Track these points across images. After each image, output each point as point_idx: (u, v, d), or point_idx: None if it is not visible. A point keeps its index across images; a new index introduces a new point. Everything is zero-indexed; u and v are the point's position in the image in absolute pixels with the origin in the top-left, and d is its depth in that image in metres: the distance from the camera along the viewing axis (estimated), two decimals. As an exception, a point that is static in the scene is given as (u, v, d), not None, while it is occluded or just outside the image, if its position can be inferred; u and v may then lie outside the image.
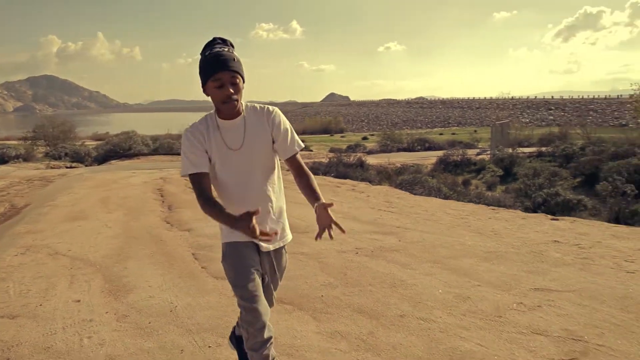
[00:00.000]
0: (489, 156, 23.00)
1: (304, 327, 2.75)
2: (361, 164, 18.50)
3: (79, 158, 21.28)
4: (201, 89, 1.91)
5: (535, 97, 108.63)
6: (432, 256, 3.92)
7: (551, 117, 75.67)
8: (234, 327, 2.23)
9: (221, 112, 1.91)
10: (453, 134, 44.96)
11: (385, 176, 14.90)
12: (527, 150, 23.00)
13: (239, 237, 1.83)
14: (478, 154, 24.17)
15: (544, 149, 21.78)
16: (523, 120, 71.29)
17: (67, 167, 19.18)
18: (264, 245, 1.93)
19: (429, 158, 23.10)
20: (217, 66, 1.82)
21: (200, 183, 1.86)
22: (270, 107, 1.99)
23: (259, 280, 1.90)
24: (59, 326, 2.95)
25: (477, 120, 78.41)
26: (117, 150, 21.39)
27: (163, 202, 8.00)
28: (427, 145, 29.76)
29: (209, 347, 2.58)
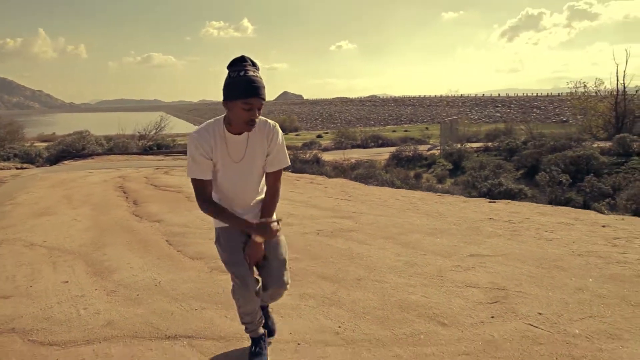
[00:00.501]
0: (439, 151, 24.04)
1: (276, 291, 3.20)
2: (317, 160, 19.06)
3: (29, 159, 20.76)
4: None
5: (483, 94, 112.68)
6: (384, 234, 4.45)
7: (498, 114, 78.80)
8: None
9: (233, 126, 2.06)
10: (405, 131, 46.31)
11: (341, 171, 15.46)
12: (474, 145, 24.22)
13: (222, 224, 2.17)
14: (429, 150, 25.24)
15: (490, 144, 23.05)
16: (472, 117, 73.92)
17: (17, 168, 18.71)
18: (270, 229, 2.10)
19: (382, 154, 23.92)
20: (252, 92, 1.95)
21: (204, 187, 2.08)
22: (272, 124, 2.15)
23: (242, 263, 2.17)
24: (53, 302, 3.27)
25: (429, 118, 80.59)
26: (70, 150, 20.98)
27: (127, 198, 8.19)
28: (380, 142, 30.64)
29: (195, 309, 2.99)
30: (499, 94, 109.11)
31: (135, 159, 19.68)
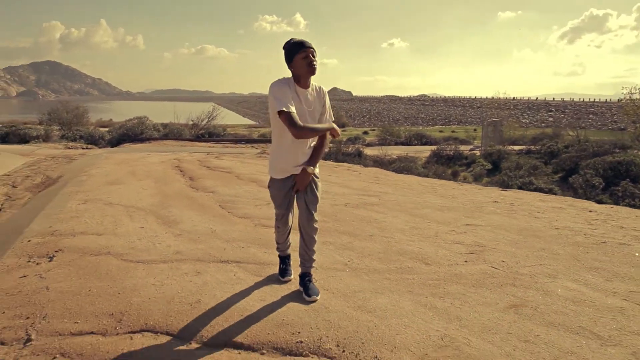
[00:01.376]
0: (479, 152, 24.30)
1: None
2: (359, 154, 19.82)
3: (93, 141, 22.60)
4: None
5: (537, 98, 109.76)
6: (401, 208, 5.26)
7: (551, 119, 76.84)
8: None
9: (300, 81, 2.73)
10: (452, 131, 46.31)
11: (380, 164, 16.22)
12: (517, 147, 24.38)
13: (279, 175, 2.92)
14: (471, 150, 25.53)
15: (532, 147, 23.14)
16: (523, 120, 72.38)
17: (83, 148, 20.50)
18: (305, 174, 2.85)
19: (424, 152, 24.41)
20: (303, 44, 2.69)
21: (293, 117, 2.61)
22: (324, 88, 2.89)
23: (287, 200, 2.97)
24: (134, 238, 4.27)
25: (478, 119, 79.52)
26: (129, 134, 22.67)
27: (184, 175, 9.29)
28: (424, 140, 31.03)
29: (242, 247, 3.92)
30: (553, 98, 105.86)
31: (188, 145, 21.07)
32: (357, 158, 18.19)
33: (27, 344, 2.36)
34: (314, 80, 2.81)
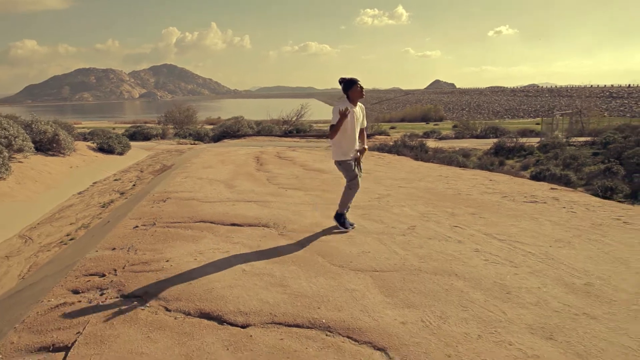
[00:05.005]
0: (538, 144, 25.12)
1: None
2: (421, 147, 21.99)
3: (199, 137, 27.08)
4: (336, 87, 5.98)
5: None
6: (370, 177, 7.92)
7: (669, 109, 71.16)
8: (337, 212, 5.10)
9: (354, 101, 4.68)
10: (537, 124, 45.78)
11: (431, 155, 18.41)
12: (581, 139, 24.84)
13: (346, 157, 4.74)
14: (539, 142, 26.36)
15: (596, 138, 23.59)
16: (637, 109, 67.91)
17: (191, 144, 24.91)
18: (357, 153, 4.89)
19: (490, 144, 25.86)
20: (357, 81, 4.64)
21: (336, 127, 4.57)
22: (363, 106, 4.90)
23: (357, 172, 4.87)
24: (208, 193, 7.40)
25: (592, 110, 75.75)
26: (228, 131, 26.80)
27: (257, 162, 12.54)
28: (499, 134, 32.07)
29: (262, 196, 6.88)
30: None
31: (277, 140, 24.63)
32: (419, 150, 20.35)
33: (153, 226, 5.49)
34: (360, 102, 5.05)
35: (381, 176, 8.48)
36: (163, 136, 26.07)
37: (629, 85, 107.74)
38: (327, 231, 4.94)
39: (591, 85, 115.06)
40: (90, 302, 3.36)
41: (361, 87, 4.71)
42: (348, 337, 2.72)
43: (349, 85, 4.68)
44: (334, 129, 4.65)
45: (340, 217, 5.03)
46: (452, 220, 5.25)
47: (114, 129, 31.87)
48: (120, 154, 17.06)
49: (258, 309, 3.10)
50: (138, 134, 25.38)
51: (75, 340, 2.82)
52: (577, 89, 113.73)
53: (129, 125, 37.53)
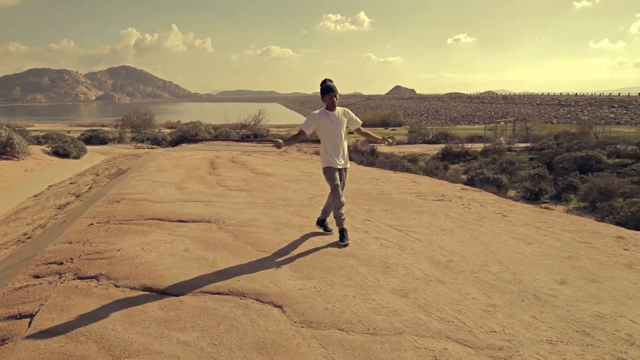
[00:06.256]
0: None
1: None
2: (372, 152, 23.10)
3: (157, 142, 27.38)
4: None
5: (611, 93, 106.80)
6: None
7: (612, 116, 75.47)
8: (319, 217, 5.42)
9: (329, 108, 4.66)
10: (490, 129, 48.16)
11: (373, 160, 19.48)
12: (522, 145, 26.68)
13: (331, 164, 4.73)
14: (483, 149, 28.07)
15: (534, 144, 25.45)
16: (583, 117, 71.77)
17: (148, 148, 25.23)
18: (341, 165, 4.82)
19: (439, 149, 27.35)
20: (331, 89, 4.61)
21: (300, 135, 4.73)
22: (346, 109, 4.84)
23: (339, 181, 4.75)
24: (159, 195, 8.10)
25: (534, 117, 79.40)
26: (186, 136, 27.22)
27: (211, 166, 13.23)
28: (449, 139, 33.77)
29: (208, 196, 7.64)
30: (629, 93, 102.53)
31: (234, 145, 25.19)
32: (370, 155, 21.43)
33: (107, 223, 6.17)
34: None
35: (320, 178, 9.37)
36: (120, 140, 26.28)
37: (576, 94, 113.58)
38: (260, 224, 5.78)
39: (542, 94, 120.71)
40: (50, 284, 4.07)
41: (332, 99, 4.70)
42: (256, 299, 3.58)
43: (323, 92, 4.73)
44: (288, 139, 4.92)
45: (321, 222, 5.37)
46: (366, 215, 6.19)
47: (69, 132, 31.75)
48: (76, 157, 17.38)
49: (190, 283, 3.91)
50: (94, 138, 25.51)
51: (39, 310, 3.54)
52: (529, 96, 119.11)
53: (86, 128, 37.28)
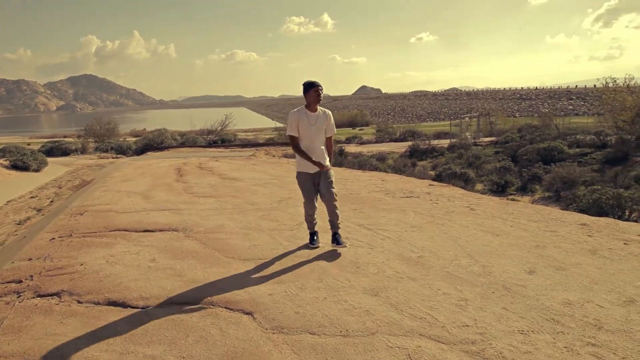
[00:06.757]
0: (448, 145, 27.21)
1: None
2: (341, 152, 23.17)
3: (122, 151, 26.79)
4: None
5: (568, 85, 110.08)
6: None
7: (570, 107, 77.80)
8: (332, 233, 4.73)
9: (311, 107, 4.35)
10: (456, 125, 48.97)
11: (349, 160, 19.59)
12: (487, 139, 27.20)
13: (305, 168, 4.43)
14: (450, 145, 28.51)
15: (499, 138, 25.98)
16: (543, 110, 73.68)
17: (113, 158, 24.65)
18: (325, 166, 4.43)
19: (407, 147, 27.60)
20: (315, 84, 4.33)
21: (294, 139, 4.38)
22: (328, 111, 4.51)
23: (313, 190, 4.53)
24: (125, 205, 7.89)
25: (497, 112, 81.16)
26: (151, 144, 26.72)
27: (178, 173, 12.99)
28: (416, 137, 34.15)
29: (175, 204, 7.48)
30: (585, 85, 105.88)
31: (201, 151, 24.88)
32: (339, 156, 21.49)
33: (70, 237, 5.96)
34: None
35: (289, 181, 9.30)
36: (83, 151, 25.59)
37: (536, 87, 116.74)
38: (228, 230, 5.67)
39: (504, 88, 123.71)
40: (7, 304, 3.88)
41: (317, 91, 4.40)
42: (226, 307, 3.49)
43: (306, 89, 4.42)
44: (302, 153, 4.46)
45: (334, 237, 4.76)
46: (336, 216, 6.17)
47: (29, 144, 30.72)
48: (37, 170, 16.82)
49: (157, 294, 3.79)
50: (56, 149, 24.77)
51: (-5, 333, 3.37)
52: (492, 91, 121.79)
53: (46, 140, 36.16)
